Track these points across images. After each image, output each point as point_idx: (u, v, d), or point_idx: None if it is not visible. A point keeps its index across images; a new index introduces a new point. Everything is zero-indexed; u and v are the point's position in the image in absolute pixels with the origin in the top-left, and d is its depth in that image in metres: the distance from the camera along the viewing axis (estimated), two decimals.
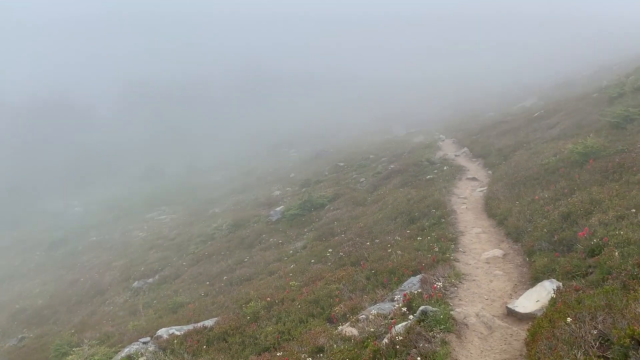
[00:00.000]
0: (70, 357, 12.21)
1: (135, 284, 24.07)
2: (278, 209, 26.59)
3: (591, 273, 8.48)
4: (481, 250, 12.10)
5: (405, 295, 9.22)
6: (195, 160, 62.60)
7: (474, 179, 20.69)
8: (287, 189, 36.42)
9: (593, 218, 10.09)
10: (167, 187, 53.33)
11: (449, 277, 10.01)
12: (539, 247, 10.65)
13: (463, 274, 10.39)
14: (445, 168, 23.83)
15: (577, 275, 8.53)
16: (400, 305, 9.07)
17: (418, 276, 10.26)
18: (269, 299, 13.42)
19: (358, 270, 12.79)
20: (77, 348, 12.64)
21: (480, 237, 13.13)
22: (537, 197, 13.36)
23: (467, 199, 17.51)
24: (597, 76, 36.47)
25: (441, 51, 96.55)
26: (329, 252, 17.08)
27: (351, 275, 12.50)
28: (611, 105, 21.58)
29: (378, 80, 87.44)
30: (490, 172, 21.46)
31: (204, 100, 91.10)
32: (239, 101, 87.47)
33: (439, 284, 9.49)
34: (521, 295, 8.65)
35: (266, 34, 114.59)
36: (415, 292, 9.23)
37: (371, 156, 38.22)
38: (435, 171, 24.06)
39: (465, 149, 27.68)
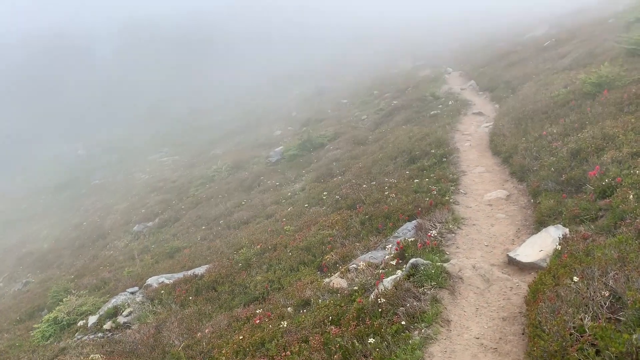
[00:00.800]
0: (58, 307, 11.85)
1: (136, 227, 23.74)
2: (277, 149, 25.77)
3: (601, 217, 7.68)
4: (483, 191, 11.29)
5: (398, 244, 8.52)
6: (198, 99, 61.23)
7: (479, 113, 19.60)
8: (289, 128, 35.41)
9: (605, 155, 9.16)
10: (170, 128, 52.45)
11: (447, 222, 9.26)
12: (545, 188, 9.81)
13: (462, 218, 9.63)
14: (450, 103, 22.66)
15: (586, 219, 7.75)
16: (393, 254, 8.40)
17: (414, 222, 9.52)
18: (260, 245, 12.89)
19: (353, 215, 12.09)
20: (66, 299, 12.26)
21: (483, 177, 12.29)
22: (545, 132, 12.37)
23: (471, 135, 16.53)
24: (614, 0, 34.19)
25: None
26: (326, 194, 16.39)
27: (346, 220, 11.82)
28: (628, 31, 20.05)
29: (384, 13, 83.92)
30: (497, 106, 20.31)
31: (207, 38, 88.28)
32: (242, 38, 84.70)
33: (434, 231, 8.76)
34: (524, 242, 7.90)
35: None
36: (410, 239, 8.52)
37: (375, 92, 36.88)
38: (440, 106, 22.92)
39: (472, 82, 26.32)
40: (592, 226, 7.37)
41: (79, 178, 42.23)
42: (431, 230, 8.95)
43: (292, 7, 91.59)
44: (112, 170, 41.99)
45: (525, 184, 10.98)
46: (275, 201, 19.07)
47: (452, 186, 11.65)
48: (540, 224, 8.67)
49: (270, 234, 14.45)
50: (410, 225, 9.47)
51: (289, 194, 19.47)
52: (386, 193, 12.60)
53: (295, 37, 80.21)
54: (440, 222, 9.24)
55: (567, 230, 7.29)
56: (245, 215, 18.70)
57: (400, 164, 15.81)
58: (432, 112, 22.07)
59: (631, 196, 7.06)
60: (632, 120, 10.09)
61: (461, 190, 11.41)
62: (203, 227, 19.53)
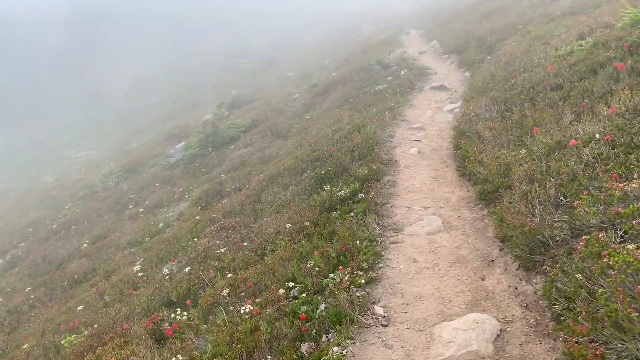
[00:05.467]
0: None
1: None
2: (179, 146, 18.40)
3: None
4: (435, 313, 4.21)
5: None
6: (140, 79, 52.85)
7: (441, 87, 12.42)
8: (222, 110, 27.88)
9: None
10: (104, 114, 44.39)
11: None
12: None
13: None
14: (402, 73, 15.40)
15: None
16: None
17: None
18: None
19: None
20: None
21: (435, 249, 5.18)
22: (573, 140, 5.23)
23: (423, 129, 9.37)
24: None
25: None
26: (189, 242, 9.35)
27: None
28: None
29: None
30: (467, 74, 13.13)
31: (159, 16, 78.76)
32: (193, 14, 75.58)
33: None
34: None
35: None
36: None
37: (326, 62, 29.65)
38: (390, 78, 15.68)
39: (435, 42, 18.96)
40: None
41: None
42: None
43: None
44: (24, 170, 34.22)
45: (543, 280, 3.96)
46: (136, 239, 12.00)
47: (362, 287, 4.58)
48: None
49: (53, 340, 7.40)
50: None
51: (161, 224, 12.40)
52: (228, 275, 5.49)
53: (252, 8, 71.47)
54: None
55: None
56: (85, 265, 11.59)
57: (305, 186, 8.71)
58: (378, 87, 14.84)
59: None
60: None
61: (379, 307, 4.33)
62: (34, 281, 12.37)
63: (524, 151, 5.79)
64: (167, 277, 7.24)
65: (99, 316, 7.41)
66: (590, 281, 3.40)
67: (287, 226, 6.57)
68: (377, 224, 5.76)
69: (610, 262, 3.23)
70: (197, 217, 10.67)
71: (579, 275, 3.45)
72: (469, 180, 6.64)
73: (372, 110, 11.62)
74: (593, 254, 3.54)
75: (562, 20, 12.51)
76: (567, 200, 4.65)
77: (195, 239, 9.31)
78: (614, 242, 3.57)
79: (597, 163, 4.71)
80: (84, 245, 12.61)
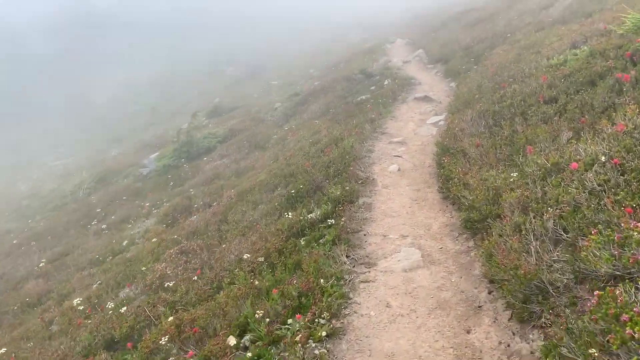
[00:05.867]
0: None
1: None
2: (153, 156, 17.47)
3: None
4: None
5: None
6: (124, 86, 51.73)
7: (425, 98, 11.68)
8: (201, 119, 27.03)
9: None
10: (86, 122, 43.21)
11: None
12: None
13: None
14: (386, 83, 14.67)
15: None
16: None
17: None
18: None
19: None
20: None
21: (413, 292, 4.35)
22: (574, 163, 4.44)
23: (405, 143, 8.59)
24: None
25: None
26: (148, 265, 8.47)
27: None
28: None
29: None
30: (453, 84, 12.42)
31: (146, 24, 77.79)
32: (181, 20, 74.78)
33: None
34: None
35: None
36: None
37: (311, 70, 28.96)
38: (373, 88, 14.95)
39: (420, 51, 18.30)
40: None
41: None
42: None
43: None
44: (1, 178, 32.94)
45: (545, 344, 3.14)
46: (97, 259, 11.01)
47: (322, 342, 3.75)
48: None
49: None
50: None
51: (126, 242, 11.45)
52: (169, 319, 4.61)
53: (241, 14, 70.73)
54: None
55: None
56: (40, 287, 10.63)
57: (275, 204, 7.91)
58: (360, 98, 14.08)
59: None
60: None
61: None
62: None
63: (515, 174, 5.00)
64: (111, 311, 6.31)
65: (35, 353, 6.48)
66: (607, 356, 2.60)
67: (245, 256, 5.70)
68: (347, 257, 4.94)
69: (636, 335, 2.44)
70: (154, 240, 9.75)
71: (592, 350, 2.63)
72: (453, 203, 5.85)
73: (352, 122, 10.84)
74: (609, 315, 2.75)
75: (553, 28, 11.88)
76: (568, 235, 3.87)
77: (155, 263, 8.42)
78: (635, 301, 2.78)
79: (604, 192, 3.94)
80: (41, 264, 11.60)
